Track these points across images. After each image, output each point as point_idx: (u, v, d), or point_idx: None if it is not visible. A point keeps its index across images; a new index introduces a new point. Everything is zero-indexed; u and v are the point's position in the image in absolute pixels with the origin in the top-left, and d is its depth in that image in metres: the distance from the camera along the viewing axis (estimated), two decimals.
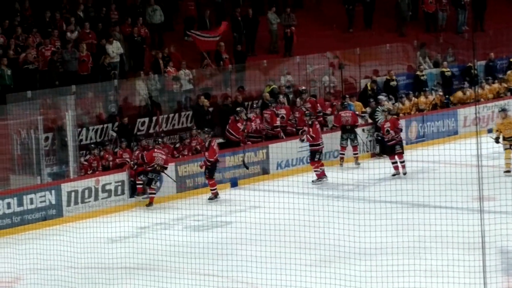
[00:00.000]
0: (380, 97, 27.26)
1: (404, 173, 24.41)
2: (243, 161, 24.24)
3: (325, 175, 23.97)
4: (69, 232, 18.16)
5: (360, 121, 26.63)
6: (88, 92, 24.75)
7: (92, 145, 23.34)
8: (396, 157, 24.57)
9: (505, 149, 23.64)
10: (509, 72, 31.83)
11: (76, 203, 21.50)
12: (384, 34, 33.57)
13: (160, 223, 20.20)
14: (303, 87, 27.94)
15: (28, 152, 22.03)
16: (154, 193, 22.43)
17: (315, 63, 29.21)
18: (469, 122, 29.02)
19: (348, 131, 25.84)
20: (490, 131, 29.15)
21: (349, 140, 25.90)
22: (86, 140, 23.72)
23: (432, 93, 29.96)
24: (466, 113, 29.09)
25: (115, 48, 26.61)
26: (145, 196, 22.34)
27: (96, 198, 21.79)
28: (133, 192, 22.37)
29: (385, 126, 24.77)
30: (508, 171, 23.31)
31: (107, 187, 22.03)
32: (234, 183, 23.99)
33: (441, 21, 35.31)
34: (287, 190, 22.71)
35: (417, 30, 34.88)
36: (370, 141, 26.90)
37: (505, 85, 31.42)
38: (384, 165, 24.88)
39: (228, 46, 29.09)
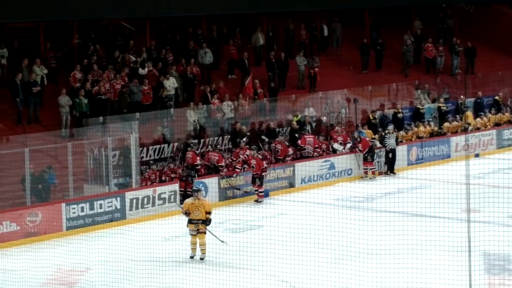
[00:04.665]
0: (389, 127, 27.13)
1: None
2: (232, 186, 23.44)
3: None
4: (130, 232, 18.18)
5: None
6: (149, 118, 24.78)
7: (151, 162, 23.34)
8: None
9: (192, 235, 17.39)
10: (466, 112, 31.18)
11: (137, 208, 21.45)
12: (391, 75, 33.40)
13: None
14: (324, 117, 28.00)
15: (99, 166, 22.04)
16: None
17: (334, 98, 29.09)
18: (459, 148, 28.76)
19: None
20: (477, 155, 29.09)
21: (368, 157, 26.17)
22: (146, 157, 23.71)
23: (430, 124, 29.78)
24: (457, 140, 28.90)
25: (171, 83, 26.66)
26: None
27: (153, 205, 21.74)
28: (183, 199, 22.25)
29: (251, 161, 23.39)
30: (192, 257, 17.46)
31: (162, 196, 21.98)
32: (266, 194, 23.82)
33: (438, 65, 35.12)
34: (309, 200, 22.67)
35: (419, 72, 34.68)
36: (377, 162, 26.73)
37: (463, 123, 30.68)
38: (390, 182, 24.85)
39: (263, 82, 29.09)
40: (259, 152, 24.12)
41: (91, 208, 20.58)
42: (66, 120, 24.34)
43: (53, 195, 21.13)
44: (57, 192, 21.23)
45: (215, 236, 17.70)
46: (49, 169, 21.19)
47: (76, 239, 19.35)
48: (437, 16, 37.50)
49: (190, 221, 17.38)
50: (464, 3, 38.61)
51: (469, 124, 30.11)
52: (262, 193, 23.35)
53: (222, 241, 17.76)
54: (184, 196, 21.95)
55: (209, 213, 17.45)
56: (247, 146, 24.28)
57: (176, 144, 24.49)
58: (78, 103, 24.44)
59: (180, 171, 22.99)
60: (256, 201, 23.27)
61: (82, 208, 20.45)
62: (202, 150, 24.41)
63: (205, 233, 17.36)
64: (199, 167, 23.17)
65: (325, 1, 32.09)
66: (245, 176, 23.34)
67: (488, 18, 38.20)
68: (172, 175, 22.79)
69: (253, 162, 23.32)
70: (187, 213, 17.37)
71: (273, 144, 25.14)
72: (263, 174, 23.33)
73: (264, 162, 23.53)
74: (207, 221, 17.37)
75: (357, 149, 26.14)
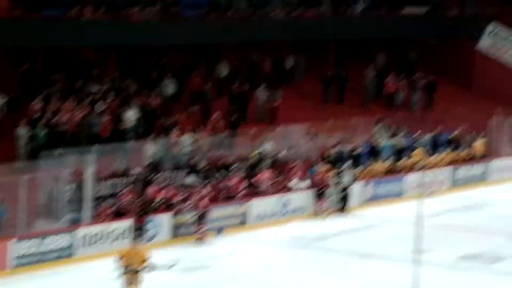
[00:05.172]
0: (345, 164, 27.22)
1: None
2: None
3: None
4: (81, 270, 17.81)
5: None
6: (107, 151, 24.64)
7: (107, 195, 23.11)
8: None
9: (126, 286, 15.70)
10: (416, 150, 31.25)
11: (90, 244, 21.08)
12: (353, 108, 33.60)
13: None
14: (283, 152, 28.09)
15: (52, 201, 21.91)
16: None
17: (294, 133, 29.17)
18: (413, 186, 28.54)
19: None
20: (430, 194, 28.91)
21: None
22: (103, 191, 23.46)
23: (387, 161, 29.95)
24: (411, 178, 28.94)
25: (131, 115, 26.67)
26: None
27: (106, 241, 21.43)
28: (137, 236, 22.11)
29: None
30: None
31: (116, 232, 21.73)
32: (219, 231, 23.78)
33: (398, 100, 35.40)
34: (261, 240, 22.68)
35: (381, 106, 34.97)
36: (331, 199, 26.69)
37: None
38: (342, 220, 24.98)
39: (225, 115, 29.14)
40: (204, 188, 23.76)
41: (40, 245, 19.95)
42: (22, 153, 24.17)
43: (3, 230, 20.78)
44: (8, 228, 20.94)
45: (161, 266, 16.48)
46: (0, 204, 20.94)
47: (22, 279, 18.85)
48: (401, 49, 37.86)
49: (124, 272, 15.79)
50: (427, 36, 39.03)
51: (420, 161, 30.22)
52: (205, 232, 22.93)
53: (172, 265, 16.72)
54: (137, 233, 21.91)
55: (145, 261, 16.16)
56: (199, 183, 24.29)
57: (133, 178, 24.39)
58: (35, 135, 24.32)
59: (135, 206, 22.89)
60: (199, 239, 22.78)
61: (31, 246, 19.74)
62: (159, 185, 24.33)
63: (140, 282, 16.14)
64: (159, 204, 23.09)
65: (290, 33, 32.43)
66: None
67: (449, 52, 38.65)
68: (128, 207, 22.69)
69: (196, 198, 22.97)
70: (126, 266, 15.80)
71: (225, 182, 25.07)
72: (200, 211, 22.75)
73: (206, 199, 23.03)
74: (145, 269, 16.08)
75: (316, 183, 26.15)
